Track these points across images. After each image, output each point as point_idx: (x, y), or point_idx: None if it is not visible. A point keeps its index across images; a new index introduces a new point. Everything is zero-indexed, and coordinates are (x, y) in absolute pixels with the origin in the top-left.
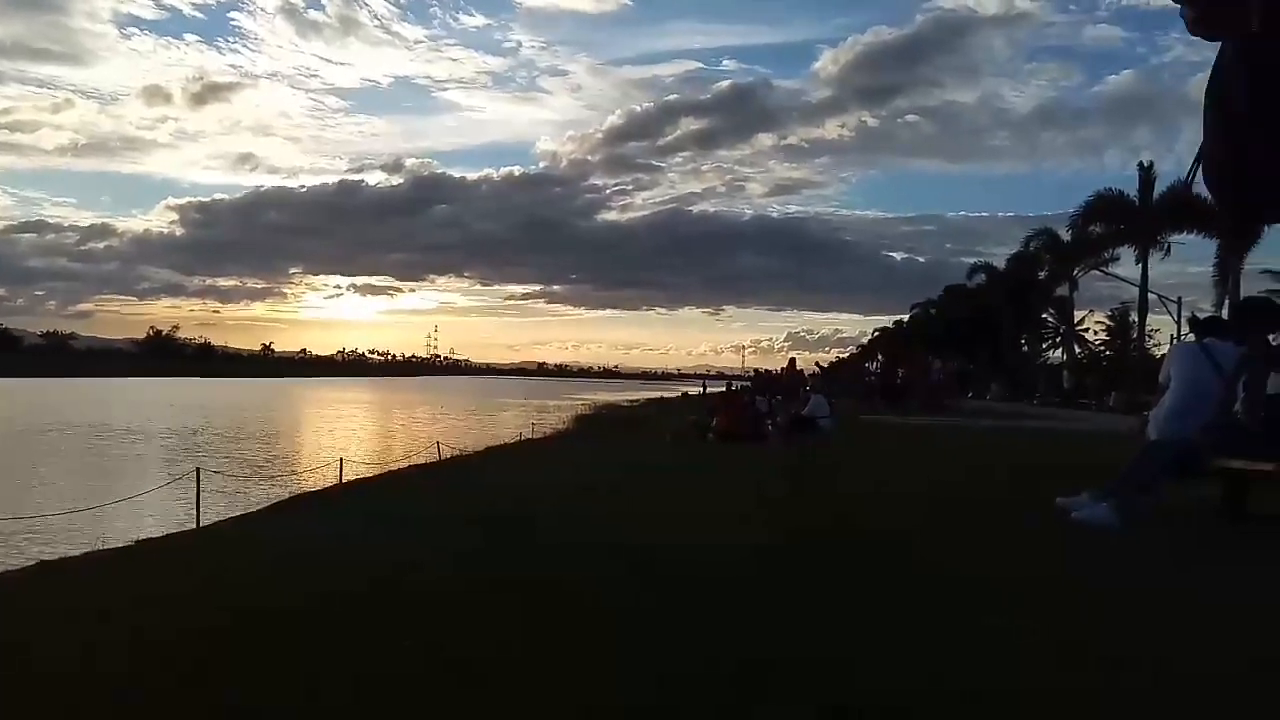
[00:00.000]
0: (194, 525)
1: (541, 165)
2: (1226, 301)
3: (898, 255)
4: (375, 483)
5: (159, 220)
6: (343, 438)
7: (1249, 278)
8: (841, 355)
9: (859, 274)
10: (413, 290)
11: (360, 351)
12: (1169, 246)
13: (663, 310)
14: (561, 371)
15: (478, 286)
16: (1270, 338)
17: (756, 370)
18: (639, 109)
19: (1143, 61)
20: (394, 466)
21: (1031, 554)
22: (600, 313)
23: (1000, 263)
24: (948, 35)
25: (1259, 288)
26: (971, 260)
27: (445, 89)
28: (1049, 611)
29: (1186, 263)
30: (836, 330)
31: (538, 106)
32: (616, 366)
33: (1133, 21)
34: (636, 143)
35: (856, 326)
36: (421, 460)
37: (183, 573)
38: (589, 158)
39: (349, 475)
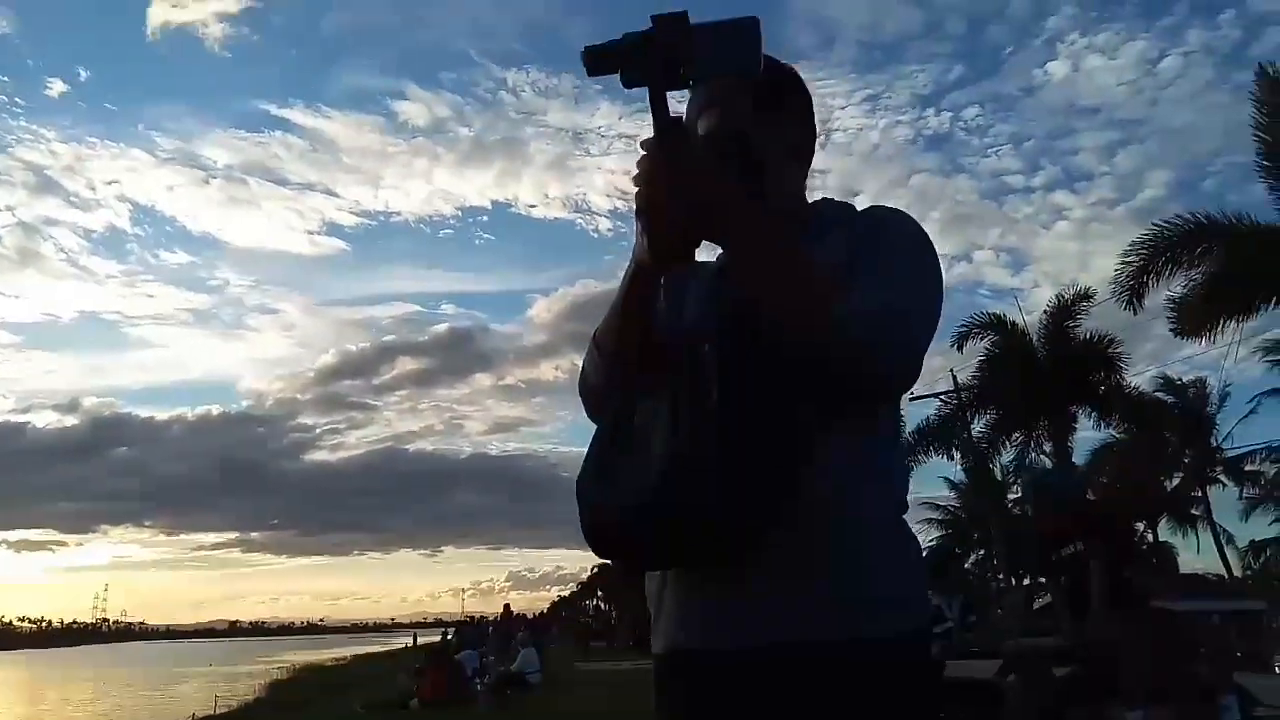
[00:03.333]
0: None
1: (244, 404)
2: None
3: None
4: None
5: None
6: None
7: (910, 506)
8: (562, 593)
9: (577, 510)
10: (80, 544)
11: (5, 619)
12: None
13: (376, 555)
14: (258, 629)
15: (161, 537)
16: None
17: (469, 618)
18: (355, 348)
19: None
20: None
21: None
22: (305, 560)
23: None
24: None
25: (920, 516)
26: None
27: (138, 325)
28: None
29: None
30: (558, 567)
31: (244, 344)
32: (322, 620)
33: None
34: (351, 381)
35: (577, 563)
36: None
37: None
38: (298, 396)
39: None
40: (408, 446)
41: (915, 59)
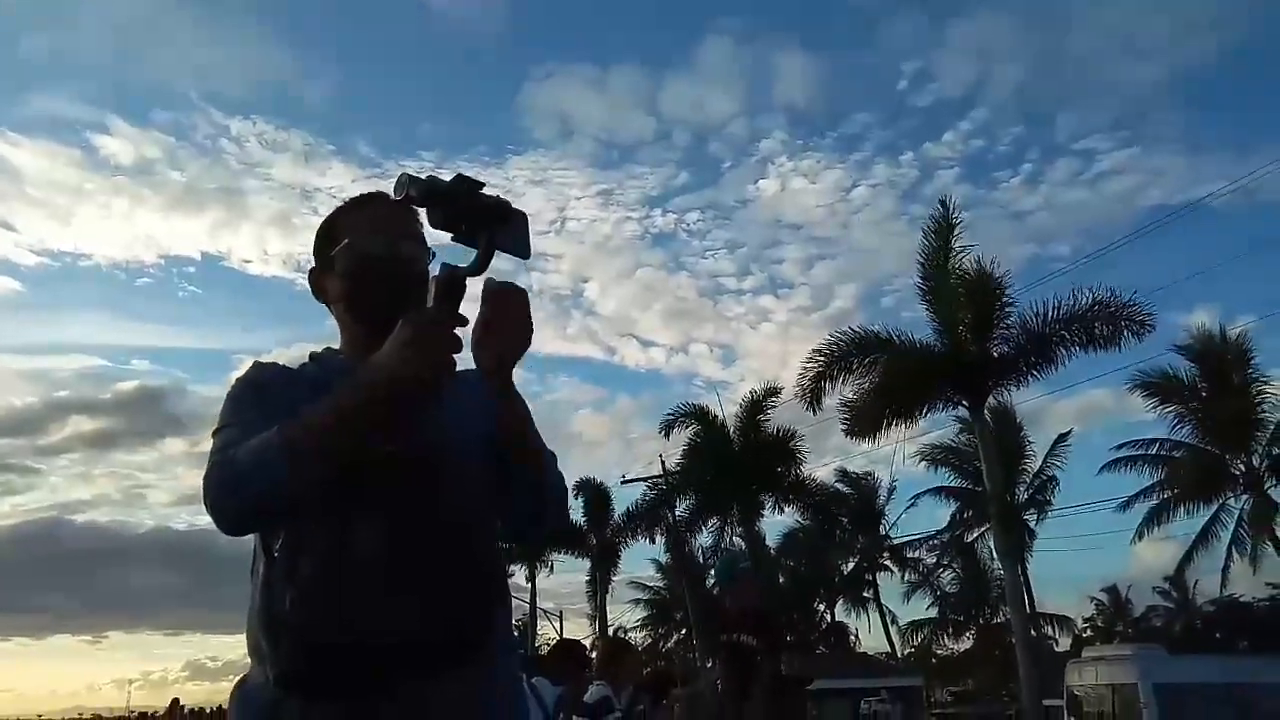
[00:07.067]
0: None
1: None
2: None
3: None
4: None
5: None
6: None
7: (619, 587)
8: None
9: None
10: None
11: None
12: (552, 564)
13: (24, 640)
14: None
15: None
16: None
17: (132, 714)
18: (19, 403)
19: None
20: None
21: None
22: None
23: None
24: None
25: (628, 596)
26: None
27: None
28: None
29: (568, 574)
30: (245, 655)
31: None
32: None
33: None
34: (10, 440)
35: None
36: None
37: None
38: None
39: None
40: (75, 517)
41: (646, 162)
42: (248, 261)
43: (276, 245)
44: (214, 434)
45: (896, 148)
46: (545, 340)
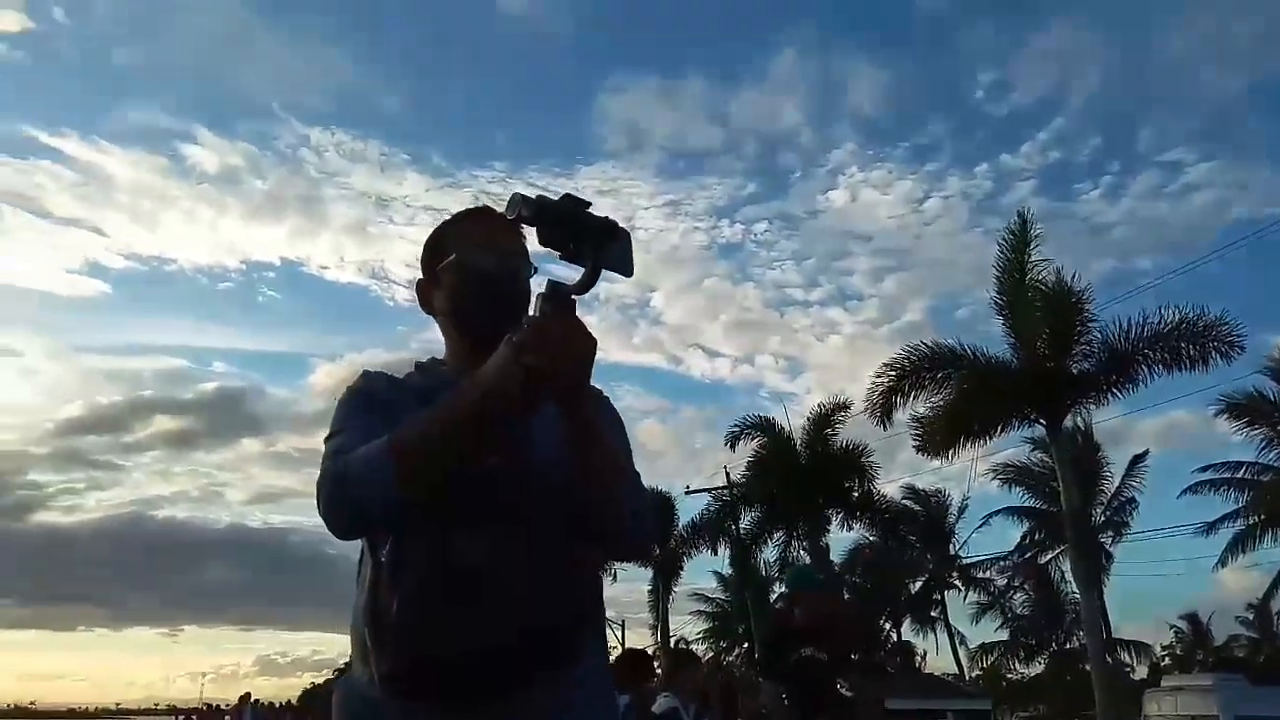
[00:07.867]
0: None
1: None
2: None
3: None
4: None
5: None
6: None
7: (679, 598)
8: (316, 680)
9: (342, 589)
10: None
11: None
12: (615, 573)
13: (105, 631)
14: None
15: None
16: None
17: (207, 706)
18: (106, 401)
19: None
20: None
21: None
22: (19, 634)
23: None
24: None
25: (689, 607)
26: None
27: None
28: None
29: (630, 583)
30: (315, 651)
31: None
32: (33, 703)
33: None
34: (97, 437)
35: (335, 647)
36: None
37: None
38: (31, 449)
39: None
40: (156, 513)
41: (715, 172)
42: (325, 268)
43: (353, 252)
44: (326, 440)
45: (971, 159)
46: (610, 349)
